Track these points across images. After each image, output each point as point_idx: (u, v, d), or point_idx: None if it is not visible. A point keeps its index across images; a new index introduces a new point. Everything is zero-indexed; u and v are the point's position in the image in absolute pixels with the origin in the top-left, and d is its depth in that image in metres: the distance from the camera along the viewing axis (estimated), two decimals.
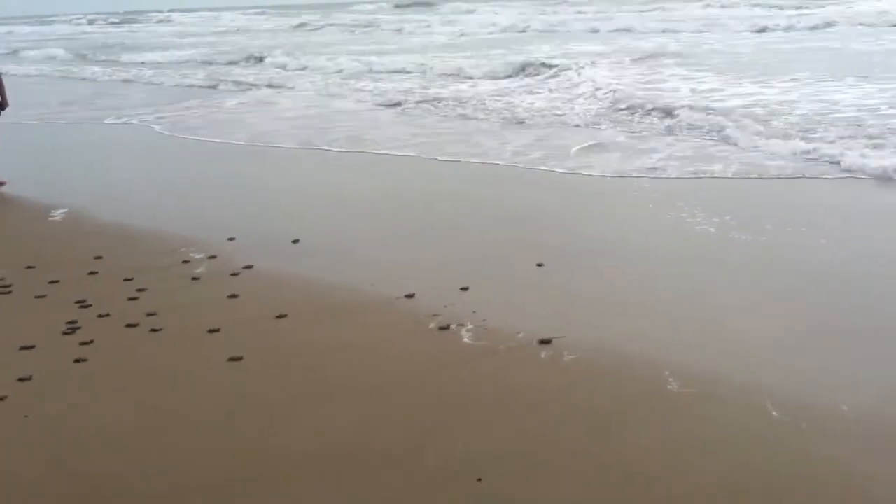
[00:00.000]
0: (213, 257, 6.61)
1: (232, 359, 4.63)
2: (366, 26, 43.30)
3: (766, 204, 7.73)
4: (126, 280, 6.10)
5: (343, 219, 7.89)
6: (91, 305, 5.62)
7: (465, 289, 5.59)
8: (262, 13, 65.95)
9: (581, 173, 9.40)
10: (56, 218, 8.45)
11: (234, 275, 6.15)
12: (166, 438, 3.85)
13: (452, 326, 4.95)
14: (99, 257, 6.73)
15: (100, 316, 5.40)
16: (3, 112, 10.43)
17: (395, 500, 3.29)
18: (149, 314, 5.39)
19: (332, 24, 46.15)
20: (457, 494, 3.29)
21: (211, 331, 5.09)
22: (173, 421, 4.02)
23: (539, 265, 6.03)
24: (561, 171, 9.62)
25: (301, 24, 47.99)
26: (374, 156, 11.24)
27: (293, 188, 9.69)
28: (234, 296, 5.69)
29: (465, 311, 5.19)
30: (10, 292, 5.99)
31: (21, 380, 4.48)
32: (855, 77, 15.07)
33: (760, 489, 3.26)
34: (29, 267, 6.52)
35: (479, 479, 3.36)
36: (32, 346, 4.95)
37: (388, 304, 5.41)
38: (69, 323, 5.27)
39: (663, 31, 28.84)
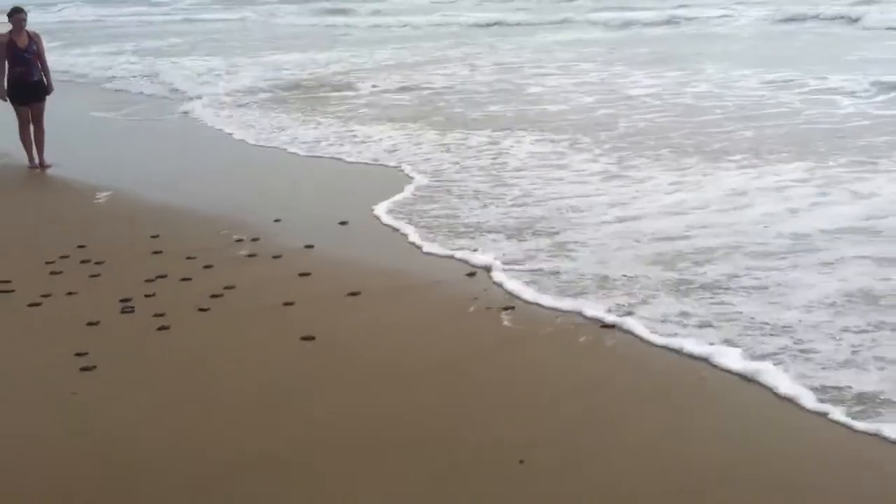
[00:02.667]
0: (256, 239, 6.76)
1: (304, 338, 4.77)
2: None
3: None
4: (188, 258, 6.27)
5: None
6: (165, 277, 5.82)
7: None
8: None
9: None
10: (101, 200, 8.62)
11: (292, 254, 6.32)
12: (237, 412, 4.01)
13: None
14: (155, 236, 6.90)
15: (164, 295, 5.56)
16: (47, 96, 10.63)
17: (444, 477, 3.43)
18: (220, 291, 5.56)
19: None
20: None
21: (286, 303, 5.30)
22: (243, 396, 4.17)
23: None
24: None
25: None
26: None
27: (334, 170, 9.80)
28: (305, 273, 5.86)
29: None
30: (60, 272, 6.11)
31: (84, 365, 4.64)
32: None
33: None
34: (80, 246, 6.64)
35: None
36: (126, 310, 5.14)
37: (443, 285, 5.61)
38: (125, 301, 5.43)
39: None
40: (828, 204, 7.04)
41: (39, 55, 10.47)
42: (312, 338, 4.76)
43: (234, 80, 18.07)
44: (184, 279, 5.83)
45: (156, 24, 38.86)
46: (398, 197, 8.00)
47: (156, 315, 5.14)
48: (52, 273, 6.02)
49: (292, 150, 10.88)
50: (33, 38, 10.38)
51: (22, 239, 7.11)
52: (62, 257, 6.36)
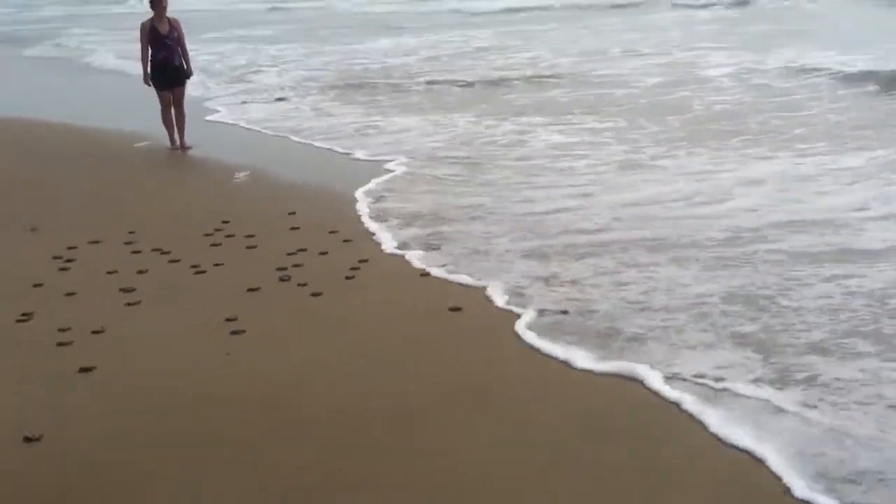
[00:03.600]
0: None
1: (452, 308, 5.10)
2: None
3: None
4: (331, 232, 6.68)
5: None
6: (305, 250, 6.24)
7: None
8: None
9: None
10: (239, 178, 9.13)
11: None
12: (385, 369, 4.35)
13: None
14: (292, 213, 7.33)
15: (310, 266, 5.97)
16: (187, 80, 11.23)
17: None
18: (356, 264, 5.93)
19: None
20: None
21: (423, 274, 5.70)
22: (389, 356, 4.52)
23: None
24: None
25: None
26: None
27: None
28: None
29: None
30: (219, 244, 6.56)
31: (234, 326, 5.05)
32: None
33: None
34: (224, 222, 7.07)
35: None
36: (283, 278, 5.59)
37: None
38: (281, 269, 5.83)
39: None
40: None
41: (179, 41, 11.01)
42: (459, 308, 5.08)
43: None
44: (322, 252, 6.23)
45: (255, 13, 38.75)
46: None
47: (305, 284, 5.53)
48: (212, 245, 6.51)
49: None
50: (174, 25, 10.91)
51: (174, 214, 7.64)
52: (216, 230, 6.85)
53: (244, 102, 14.83)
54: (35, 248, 6.49)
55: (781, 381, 4.06)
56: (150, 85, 11.07)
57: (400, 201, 7.71)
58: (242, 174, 9.33)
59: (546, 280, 5.56)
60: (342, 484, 3.30)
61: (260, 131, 12.07)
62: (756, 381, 4.07)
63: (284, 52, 21.59)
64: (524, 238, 6.52)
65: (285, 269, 5.82)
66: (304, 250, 6.23)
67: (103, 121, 13.09)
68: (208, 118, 12.93)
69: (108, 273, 5.83)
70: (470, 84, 15.43)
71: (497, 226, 6.86)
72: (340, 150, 10.41)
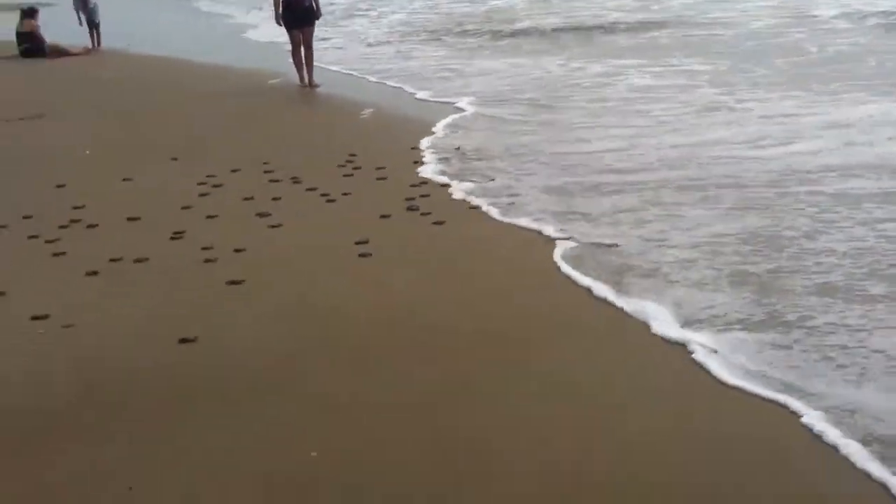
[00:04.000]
0: None
1: None
2: None
3: None
4: None
5: None
6: (426, 183, 6.52)
7: None
8: None
9: None
10: (365, 115, 9.48)
11: None
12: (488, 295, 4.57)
13: None
14: (415, 147, 7.62)
15: (435, 197, 6.23)
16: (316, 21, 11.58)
17: None
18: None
19: None
20: None
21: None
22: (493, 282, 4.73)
23: None
24: None
25: None
26: None
27: None
28: None
29: None
30: (351, 175, 6.89)
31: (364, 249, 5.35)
32: None
33: None
34: (352, 154, 7.35)
35: None
36: (389, 215, 5.84)
37: None
38: (409, 199, 6.09)
39: None
40: None
41: None
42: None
43: None
44: (443, 185, 6.48)
45: None
46: None
47: (428, 213, 5.80)
48: (344, 175, 6.85)
49: None
50: None
51: (306, 147, 8.02)
52: (347, 162, 7.18)
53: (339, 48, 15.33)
54: (180, 177, 6.95)
55: (761, 323, 3.99)
56: (280, 24, 11.50)
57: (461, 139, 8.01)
58: (368, 111, 9.67)
59: (561, 214, 5.70)
60: (466, 395, 3.55)
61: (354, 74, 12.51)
62: (732, 322, 4.02)
63: None
64: (554, 175, 6.66)
65: (413, 198, 6.11)
66: (426, 182, 6.54)
67: (228, 60, 13.74)
68: None
69: (245, 199, 6.22)
70: (571, 28, 15.43)
71: (533, 163, 7.05)
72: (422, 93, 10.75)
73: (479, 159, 7.29)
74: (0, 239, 5.59)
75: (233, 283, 4.65)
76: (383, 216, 5.74)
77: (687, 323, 4.04)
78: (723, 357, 3.71)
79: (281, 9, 11.30)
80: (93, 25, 16.39)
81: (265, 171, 6.95)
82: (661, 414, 3.34)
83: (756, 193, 5.93)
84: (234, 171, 6.99)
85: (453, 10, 19.03)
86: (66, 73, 13.79)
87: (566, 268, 4.79)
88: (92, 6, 16.29)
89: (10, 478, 3.04)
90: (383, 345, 3.97)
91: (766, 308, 4.14)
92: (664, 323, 4.05)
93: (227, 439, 3.25)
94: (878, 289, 4.29)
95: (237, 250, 5.13)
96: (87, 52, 16.15)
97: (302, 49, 11.48)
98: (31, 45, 15.68)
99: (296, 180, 6.67)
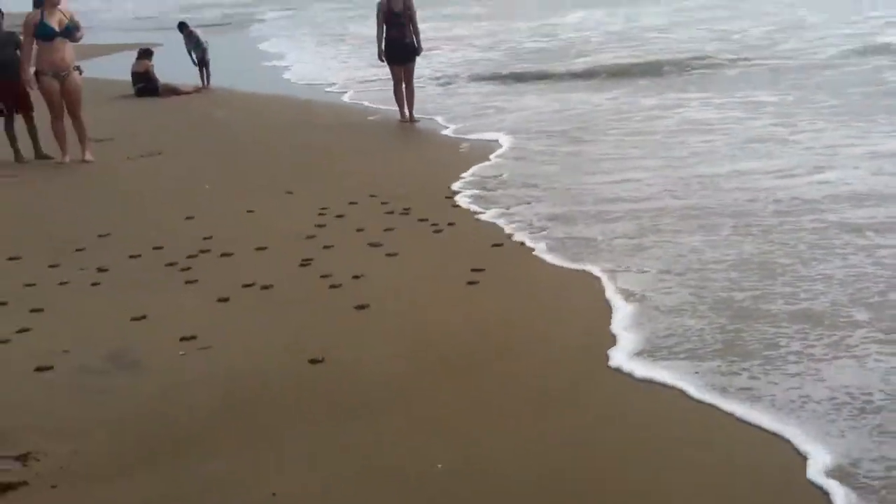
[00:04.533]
0: None
1: None
2: None
3: None
4: None
5: None
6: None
7: None
8: None
9: None
10: (464, 149, 9.80)
11: None
12: None
13: None
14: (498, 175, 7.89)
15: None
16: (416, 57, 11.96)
17: None
18: None
19: None
20: None
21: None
22: None
23: None
24: None
25: None
26: None
27: None
28: None
29: None
30: (457, 206, 7.17)
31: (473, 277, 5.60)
32: None
33: None
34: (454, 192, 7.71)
35: None
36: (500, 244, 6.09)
37: None
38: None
39: None
40: None
41: (411, 18, 11.74)
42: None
43: None
44: None
45: None
46: None
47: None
48: (453, 206, 7.19)
49: None
50: (406, 3, 11.58)
51: (411, 178, 8.37)
52: (454, 193, 7.53)
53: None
54: (297, 209, 7.34)
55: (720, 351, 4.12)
56: (382, 61, 11.92)
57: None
58: (465, 145, 10.00)
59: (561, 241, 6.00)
60: (568, 406, 3.79)
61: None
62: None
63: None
64: (559, 203, 6.96)
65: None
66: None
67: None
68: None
69: (358, 230, 6.55)
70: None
71: (542, 191, 7.38)
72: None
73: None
74: (135, 268, 6.01)
75: (360, 307, 4.96)
76: (495, 245, 6.08)
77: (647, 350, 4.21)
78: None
79: (384, 45, 11.72)
80: (203, 64, 17.17)
81: (382, 203, 7.29)
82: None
83: (758, 222, 6.05)
84: (350, 203, 7.34)
85: (522, 45, 19.40)
86: (180, 112, 14.51)
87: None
88: (203, 46, 17.09)
89: (159, 482, 3.33)
90: (487, 364, 4.23)
91: (731, 335, 4.29)
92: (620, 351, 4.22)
93: (359, 448, 3.50)
94: (861, 315, 4.39)
95: (355, 276, 5.44)
96: (197, 90, 16.93)
97: (403, 85, 11.89)
98: (145, 84, 16.51)
99: (405, 212, 6.98)
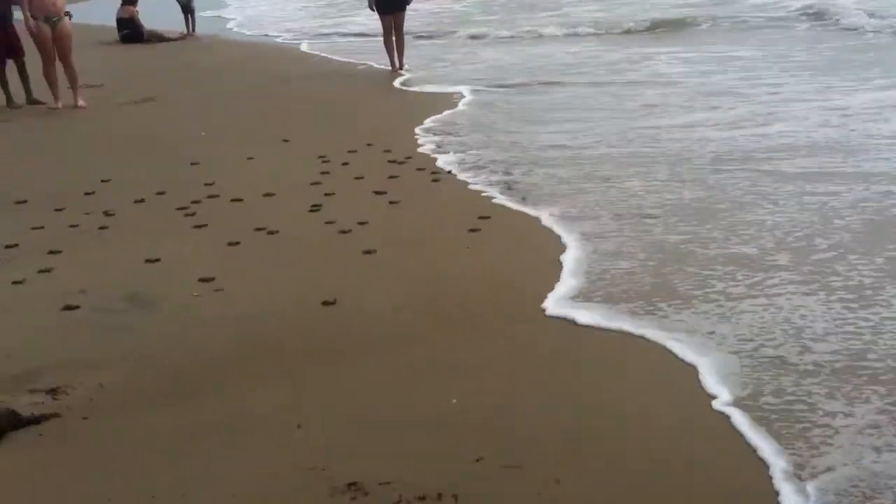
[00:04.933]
0: None
1: None
2: None
3: None
4: None
5: None
6: None
7: None
8: None
9: None
10: (455, 100, 9.90)
11: None
12: None
13: None
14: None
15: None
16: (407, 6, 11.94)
17: None
18: None
19: None
20: None
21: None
22: None
23: None
24: None
25: None
26: None
27: None
28: None
29: None
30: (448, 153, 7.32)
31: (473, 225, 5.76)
32: None
33: None
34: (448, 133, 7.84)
35: None
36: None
37: None
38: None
39: None
40: None
41: None
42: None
43: None
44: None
45: None
46: None
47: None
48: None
49: None
50: None
51: (406, 128, 8.51)
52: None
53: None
54: (297, 158, 7.44)
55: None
56: (373, 10, 11.96)
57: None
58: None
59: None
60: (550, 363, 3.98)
61: None
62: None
63: None
64: (500, 151, 7.28)
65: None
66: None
67: None
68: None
69: (356, 178, 6.66)
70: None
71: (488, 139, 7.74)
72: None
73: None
74: (141, 212, 6.12)
75: (368, 251, 5.11)
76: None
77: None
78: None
79: None
80: (188, 11, 17.08)
81: (384, 151, 7.43)
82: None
83: (691, 168, 6.44)
84: (350, 151, 7.44)
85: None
86: (166, 58, 14.46)
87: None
88: None
89: (183, 414, 3.49)
90: (490, 313, 4.34)
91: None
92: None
93: (376, 384, 3.68)
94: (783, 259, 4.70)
95: (360, 223, 5.59)
96: (182, 37, 16.85)
97: (393, 34, 11.94)
98: (130, 30, 16.42)
99: (400, 161, 7.12)
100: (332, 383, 3.72)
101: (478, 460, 3.08)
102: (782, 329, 3.96)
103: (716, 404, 3.40)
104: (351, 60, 13.30)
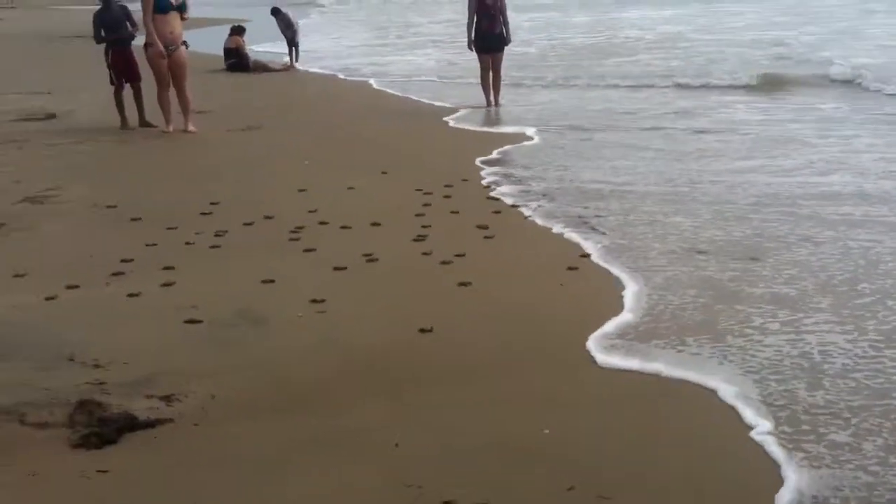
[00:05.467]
0: None
1: None
2: None
3: None
4: None
5: None
6: None
7: None
8: None
9: None
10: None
11: None
12: None
13: None
14: None
15: None
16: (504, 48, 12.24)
17: None
18: None
19: None
20: None
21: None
22: None
23: None
24: None
25: None
26: None
27: None
28: None
29: None
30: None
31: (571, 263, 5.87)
32: None
33: None
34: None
35: None
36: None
37: None
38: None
39: None
40: None
41: (502, 10, 12.08)
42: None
43: None
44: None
45: None
46: None
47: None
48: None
49: None
50: None
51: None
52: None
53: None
54: (395, 188, 7.71)
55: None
56: (472, 50, 12.24)
57: None
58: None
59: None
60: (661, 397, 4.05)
61: None
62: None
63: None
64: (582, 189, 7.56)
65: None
66: None
67: None
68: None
69: (453, 212, 6.85)
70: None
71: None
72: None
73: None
74: (250, 234, 6.41)
75: (463, 284, 5.28)
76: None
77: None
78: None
79: (473, 35, 12.05)
80: (293, 45, 17.68)
81: (482, 187, 7.73)
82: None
83: (735, 209, 6.72)
84: (446, 185, 7.65)
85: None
86: (270, 88, 15.00)
87: None
88: (294, 28, 17.58)
89: (290, 428, 3.66)
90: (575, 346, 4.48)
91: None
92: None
93: (470, 410, 3.81)
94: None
95: (458, 255, 5.77)
96: (286, 68, 17.43)
97: (490, 73, 12.20)
98: (236, 60, 17.07)
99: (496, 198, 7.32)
100: (428, 406, 3.86)
101: (569, 489, 3.19)
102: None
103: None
104: (424, 99, 13.66)
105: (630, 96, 13.28)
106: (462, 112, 12.09)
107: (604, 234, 6.27)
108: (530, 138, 10.05)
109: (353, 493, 3.21)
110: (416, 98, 13.80)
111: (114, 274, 5.53)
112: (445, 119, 11.66)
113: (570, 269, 5.58)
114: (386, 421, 3.72)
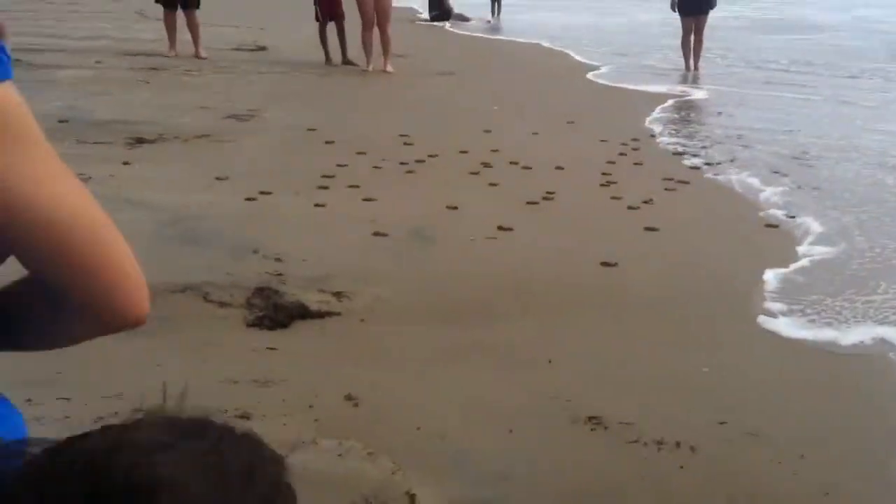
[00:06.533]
0: None
1: None
2: None
3: None
4: None
5: None
6: None
7: None
8: None
9: None
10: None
11: None
12: None
13: None
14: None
15: None
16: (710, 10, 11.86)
17: None
18: None
19: None
20: None
21: None
22: None
23: None
24: None
25: None
26: None
27: None
28: None
29: None
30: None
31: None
32: None
33: None
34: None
35: None
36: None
37: None
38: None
39: None
40: None
41: None
42: None
43: None
44: None
45: None
46: None
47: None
48: None
49: None
50: None
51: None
52: None
53: None
54: (577, 139, 7.73)
55: None
56: (675, 11, 11.93)
57: None
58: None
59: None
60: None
61: None
62: None
63: None
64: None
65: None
66: None
67: None
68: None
69: (636, 164, 6.77)
70: None
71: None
72: None
73: None
74: (438, 165, 6.59)
75: (649, 229, 5.26)
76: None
77: None
78: None
79: None
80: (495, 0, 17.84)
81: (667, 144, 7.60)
82: None
83: None
84: (633, 139, 7.58)
85: None
86: (467, 40, 15.18)
87: None
88: None
89: (446, 335, 3.75)
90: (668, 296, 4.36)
91: None
92: None
93: (633, 340, 3.82)
94: None
95: (646, 202, 5.76)
96: (487, 21, 17.62)
97: (692, 37, 11.85)
98: (439, 11, 17.40)
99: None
100: (591, 331, 3.87)
101: (721, 423, 3.12)
102: None
103: None
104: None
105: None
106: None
107: (798, 190, 6.14)
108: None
109: (499, 398, 3.26)
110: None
111: (305, 186, 5.81)
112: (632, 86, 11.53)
113: (767, 226, 5.47)
114: (544, 340, 3.76)
